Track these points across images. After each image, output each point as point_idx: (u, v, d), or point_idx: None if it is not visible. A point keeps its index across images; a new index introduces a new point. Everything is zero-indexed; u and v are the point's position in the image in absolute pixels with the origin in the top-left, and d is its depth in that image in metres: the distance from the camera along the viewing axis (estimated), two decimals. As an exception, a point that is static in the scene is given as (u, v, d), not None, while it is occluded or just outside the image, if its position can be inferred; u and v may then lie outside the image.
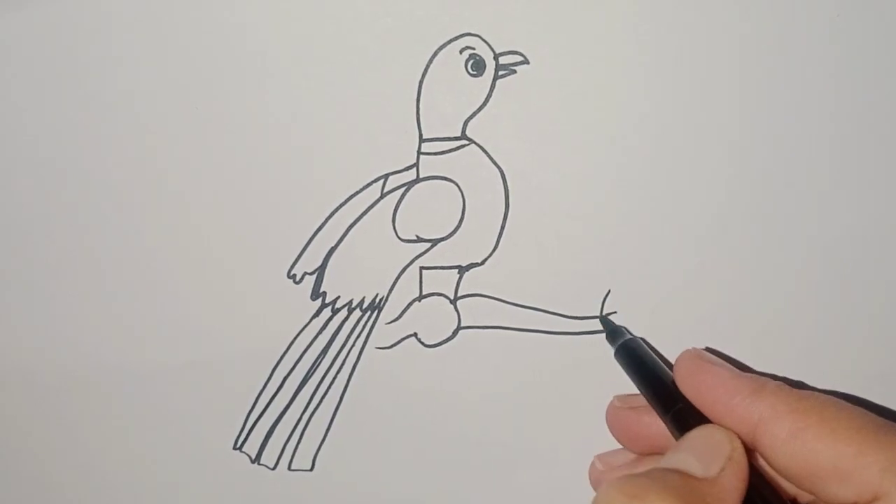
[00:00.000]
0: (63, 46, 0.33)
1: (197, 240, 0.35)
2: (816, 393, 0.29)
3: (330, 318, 0.36)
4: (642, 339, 0.35)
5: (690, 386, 0.31)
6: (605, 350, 0.35)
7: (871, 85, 0.34)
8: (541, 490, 0.38)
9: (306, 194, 0.34)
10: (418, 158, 0.34)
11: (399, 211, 0.35)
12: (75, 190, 0.35)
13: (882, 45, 0.33)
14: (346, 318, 0.36)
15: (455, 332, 0.36)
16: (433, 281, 0.36)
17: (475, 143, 0.34)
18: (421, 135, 0.34)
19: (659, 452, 0.33)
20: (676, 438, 0.30)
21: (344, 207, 0.35)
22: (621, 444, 0.35)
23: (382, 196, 0.34)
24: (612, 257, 0.35)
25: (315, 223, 0.35)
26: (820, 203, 0.35)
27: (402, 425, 0.37)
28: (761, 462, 0.30)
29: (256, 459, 0.38)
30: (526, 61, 0.33)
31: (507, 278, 0.35)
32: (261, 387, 0.37)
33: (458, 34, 0.33)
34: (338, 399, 0.37)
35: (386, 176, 0.34)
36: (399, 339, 0.36)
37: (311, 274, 0.35)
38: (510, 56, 0.33)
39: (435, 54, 0.33)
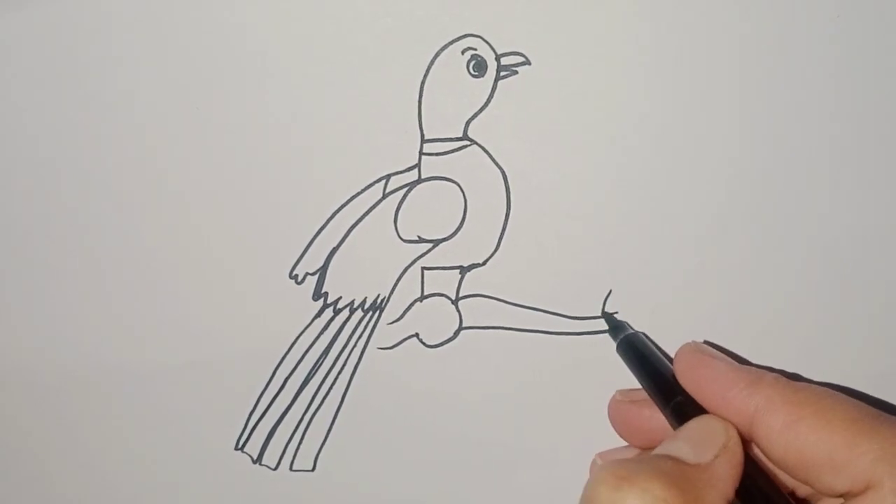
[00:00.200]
0: (63, 46, 0.33)
1: (198, 240, 0.35)
2: (812, 385, 0.30)
3: (332, 319, 0.36)
4: (644, 333, 0.35)
5: (690, 378, 0.31)
6: (606, 350, 0.35)
7: (871, 85, 0.34)
8: (542, 490, 0.38)
9: (308, 195, 0.34)
10: (420, 159, 0.34)
11: (401, 211, 0.35)
12: (75, 190, 0.35)
13: (882, 45, 0.33)
14: (348, 319, 0.36)
15: (456, 333, 0.36)
16: (434, 281, 0.36)
17: (477, 143, 0.34)
18: (422, 135, 0.34)
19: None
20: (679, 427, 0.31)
21: (346, 208, 0.35)
22: (622, 437, 0.35)
23: (384, 196, 0.34)
24: (613, 257, 0.35)
25: (317, 224, 0.35)
26: (820, 203, 0.35)
27: (404, 426, 0.37)
28: (758, 453, 0.30)
29: (258, 460, 0.38)
30: (527, 62, 0.33)
31: (509, 279, 0.35)
32: (262, 387, 0.37)
33: (460, 35, 0.33)
34: (339, 399, 0.37)
35: (388, 176, 0.34)
36: (400, 339, 0.36)
37: (312, 274, 0.35)
38: (512, 57, 0.33)
39: (437, 55, 0.33)
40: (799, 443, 0.28)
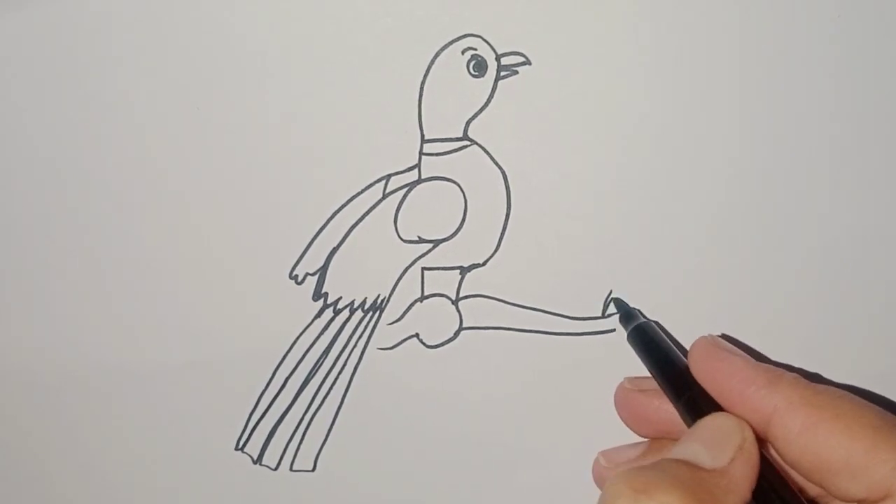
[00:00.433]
0: (63, 46, 0.33)
1: (198, 240, 0.35)
2: (832, 388, 0.29)
3: (332, 319, 0.36)
4: (656, 322, 0.35)
5: (704, 373, 0.31)
6: (606, 350, 0.36)
7: (871, 85, 0.34)
8: (542, 490, 0.38)
9: (308, 195, 0.34)
10: (420, 159, 0.34)
11: (401, 212, 0.35)
12: (75, 190, 0.35)
13: (882, 45, 0.33)
14: (348, 319, 0.36)
15: (457, 333, 0.36)
16: (435, 282, 0.36)
17: (477, 143, 0.34)
18: (422, 135, 0.34)
19: (664, 437, 0.33)
20: (688, 425, 0.30)
21: (346, 208, 0.34)
22: (627, 425, 0.34)
23: (384, 197, 0.34)
24: (614, 257, 0.35)
25: (317, 224, 0.35)
26: (820, 203, 0.35)
27: (404, 426, 0.37)
28: (773, 453, 0.30)
29: (258, 460, 0.38)
30: (528, 62, 0.33)
31: (509, 279, 0.35)
32: (263, 387, 0.37)
33: (460, 35, 0.33)
34: (339, 400, 0.37)
35: (388, 177, 0.34)
36: (401, 339, 0.36)
37: (312, 275, 0.35)
38: (512, 57, 0.33)
39: (437, 55, 0.33)
40: (817, 446, 0.28)
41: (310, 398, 0.37)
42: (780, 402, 0.29)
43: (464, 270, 0.35)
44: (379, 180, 0.34)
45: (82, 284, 0.36)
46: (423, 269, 0.35)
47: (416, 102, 0.34)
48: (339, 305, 0.36)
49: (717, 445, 0.28)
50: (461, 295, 0.36)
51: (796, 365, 0.36)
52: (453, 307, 0.36)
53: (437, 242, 0.35)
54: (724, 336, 0.35)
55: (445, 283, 0.36)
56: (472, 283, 0.36)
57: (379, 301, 0.36)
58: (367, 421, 0.37)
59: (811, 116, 0.34)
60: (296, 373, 0.36)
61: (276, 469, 0.38)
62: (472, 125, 0.34)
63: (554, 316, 0.36)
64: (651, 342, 0.33)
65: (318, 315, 0.36)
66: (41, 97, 0.34)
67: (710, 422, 0.29)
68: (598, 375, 0.36)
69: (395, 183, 0.34)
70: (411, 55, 0.33)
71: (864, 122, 0.34)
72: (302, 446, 0.37)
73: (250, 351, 0.36)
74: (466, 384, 0.37)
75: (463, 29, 0.33)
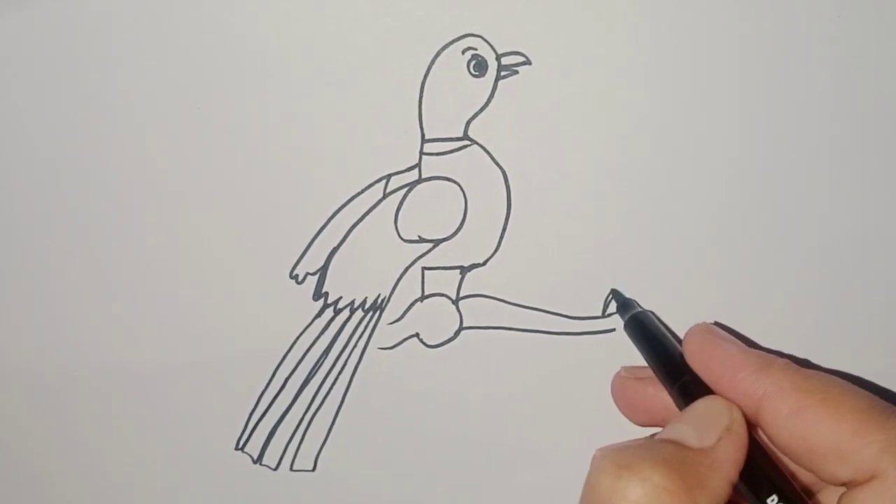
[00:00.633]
0: (63, 46, 0.33)
1: (198, 240, 0.35)
2: (822, 373, 0.30)
3: (332, 319, 0.36)
4: (652, 312, 0.35)
5: (698, 359, 0.31)
6: (606, 350, 0.36)
7: (871, 85, 0.34)
8: (542, 490, 0.38)
9: (308, 195, 0.34)
10: (420, 159, 0.34)
11: (401, 211, 0.35)
12: (75, 190, 0.35)
13: (883, 45, 0.33)
14: (349, 319, 0.36)
15: (457, 333, 0.36)
16: (435, 281, 0.36)
17: (477, 143, 0.34)
18: (423, 135, 0.34)
19: (661, 425, 0.33)
20: (681, 410, 0.31)
21: (346, 208, 0.35)
22: (624, 414, 0.35)
23: (384, 196, 0.34)
24: (614, 257, 0.35)
25: (317, 224, 0.35)
26: (820, 203, 0.35)
27: (404, 426, 0.37)
28: (763, 438, 0.30)
29: (258, 460, 0.38)
30: (528, 62, 0.33)
31: (509, 279, 0.35)
32: (263, 387, 0.37)
33: (460, 35, 0.33)
34: (340, 399, 0.37)
35: (388, 176, 0.34)
36: (401, 339, 0.36)
37: (313, 274, 0.35)
38: (512, 56, 0.33)
39: (437, 55, 0.33)
40: (805, 429, 0.28)
41: (310, 398, 0.37)
42: (771, 386, 0.29)
43: (464, 270, 0.35)
44: (379, 180, 0.34)
45: (82, 284, 0.36)
46: (424, 268, 0.35)
47: (417, 102, 0.34)
48: (340, 305, 0.36)
49: (704, 426, 0.28)
50: (461, 295, 0.36)
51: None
52: (453, 307, 0.36)
53: (437, 242, 0.35)
54: (718, 325, 0.35)
55: (445, 282, 0.36)
56: (472, 282, 0.36)
57: (379, 301, 0.36)
58: (367, 421, 0.37)
59: (811, 116, 0.34)
60: (296, 373, 0.36)
61: (276, 469, 0.38)
62: (472, 125, 0.34)
63: (554, 316, 0.36)
64: (647, 330, 0.34)
65: (319, 315, 0.36)
66: (41, 97, 0.34)
67: (700, 404, 0.30)
68: (597, 375, 0.36)
69: (395, 183, 0.34)
70: (411, 55, 0.33)
71: (864, 121, 0.34)
72: (302, 446, 0.37)
73: (250, 351, 0.36)
74: (466, 384, 0.37)
75: (463, 29, 0.33)
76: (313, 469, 0.38)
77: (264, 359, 0.36)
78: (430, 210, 0.35)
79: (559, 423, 0.37)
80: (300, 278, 0.35)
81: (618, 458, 0.26)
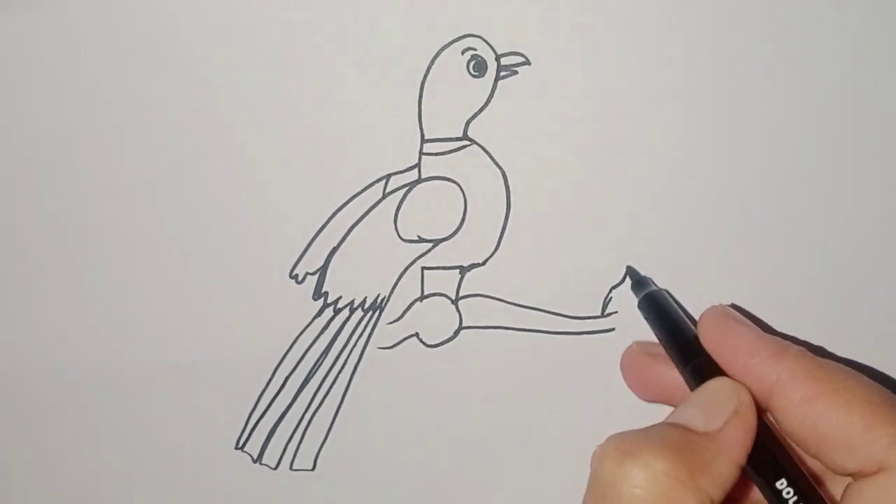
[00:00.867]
0: (63, 46, 0.33)
1: (198, 240, 0.35)
2: (836, 363, 0.30)
3: (332, 319, 0.36)
4: (667, 290, 0.35)
5: (713, 341, 0.31)
6: (606, 350, 0.36)
7: (871, 85, 0.34)
8: (542, 490, 0.38)
9: (308, 195, 0.34)
10: (420, 159, 0.34)
11: (401, 211, 0.35)
12: (75, 190, 0.35)
13: (882, 45, 0.33)
14: (348, 319, 0.36)
15: (456, 333, 0.36)
16: (435, 281, 0.36)
17: (477, 143, 0.34)
18: (422, 135, 0.34)
19: (667, 402, 0.34)
20: (692, 391, 0.31)
21: (346, 208, 0.35)
22: (632, 389, 0.35)
23: (384, 196, 0.35)
24: (613, 257, 0.35)
25: (317, 223, 0.35)
26: (820, 203, 0.35)
27: (404, 425, 0.37)
28: (773, 423, 0.30)
29: (258, 459, 0.38)
30: (527, 62, 0.33)
31: (509, 278, 0.35)
32: (263, 387, 0.37)
33: (460, 35, 0.33)
34: (339, 399, 0.37)
35: (388, 176, 0.34)
36: (400, 339, 0.36)
37: (312, 274, 0.35)
38: (512, 57, 0.33)
39: (437, 55, 0.33)
40: (815, 418, 0.28)
41: (310, 397, 0.37)
42: (784, 372, 0.29)
43: (464, 270, 0.35)
44: (379, 180, 0.34)
45: (82, 284, 0.36)
46: (423, 268, 0.35)
47: (416, 102, 0.34)
48: (339, 305, 0.36)
49: (712, 409, 0.28)
50: (461, 294, 0.36)
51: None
52: (453, 306, 0.36)
53: (437, 242, 0.35)
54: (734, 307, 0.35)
55: (445, 282, 0.36)
56: (471, 282, 0.36)
57: (379, 300, 0.36)
58: (367, 420, 0.37)
59: (811, 116, 0.34)
60: (296, 372, 0.36)
61: (275, 468, 0.38)
62: (472, 125, 0.34)
63: (553, 315, 0.36)
64: (662, 309, 0.34)
65: (318, 314, 0.36)
66: (41, 97, 0.34)
67: (710, 385, 0.30)
68: (597, 375, 0.36)
69: (395, 182, 0.34)
70: (411, 55, 0.33)
71: (864, 121, 0.34)
72: (302, 445, 0.37)
73: (250, 350, 0.36)
74: (466, 384, 0.37)
75: (463, 29, 0.33)
76: (313, 468, 0.38)
77: (264, 358, 0.36)
78: (429, 210, 0.35)
79: (559, 423, 0.37)
80: (300, 278, 0.35)
81: (621, 444, 0.26)
